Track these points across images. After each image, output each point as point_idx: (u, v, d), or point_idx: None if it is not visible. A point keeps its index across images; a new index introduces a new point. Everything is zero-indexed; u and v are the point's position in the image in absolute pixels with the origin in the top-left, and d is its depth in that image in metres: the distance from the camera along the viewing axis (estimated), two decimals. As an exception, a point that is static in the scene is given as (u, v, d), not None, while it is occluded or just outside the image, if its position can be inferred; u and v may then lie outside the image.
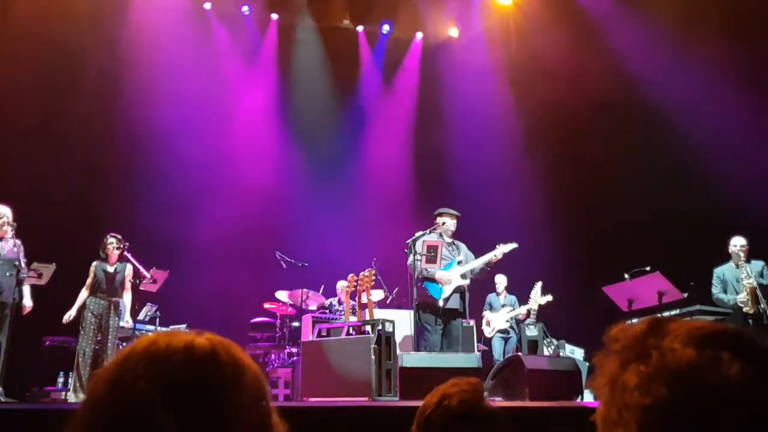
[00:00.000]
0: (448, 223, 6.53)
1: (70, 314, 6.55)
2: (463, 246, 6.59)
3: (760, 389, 0.69)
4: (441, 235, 6.46)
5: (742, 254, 6.39)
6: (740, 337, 0.75)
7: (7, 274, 5.87)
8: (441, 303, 6.20)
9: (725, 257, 6.61)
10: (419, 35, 11.71)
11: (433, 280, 6.25)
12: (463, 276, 6.34)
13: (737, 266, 6.43)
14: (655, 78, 8.90)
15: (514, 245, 6.54)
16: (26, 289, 6.11)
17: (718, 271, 6.60)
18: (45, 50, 8.86)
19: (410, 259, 6.43)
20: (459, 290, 6.33)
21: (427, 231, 6.43)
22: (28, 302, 6.11)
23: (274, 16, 11.14)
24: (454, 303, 6.28)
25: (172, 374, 0.79)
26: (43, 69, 8.90)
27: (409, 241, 6.39)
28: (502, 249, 6.48)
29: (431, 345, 6.08)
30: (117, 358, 0.84)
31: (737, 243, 6.47)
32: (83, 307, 6.55)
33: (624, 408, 0.74)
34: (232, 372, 0.82)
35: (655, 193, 8.96)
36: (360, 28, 11.53)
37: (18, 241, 6.06)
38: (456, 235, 6.64)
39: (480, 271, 6.50)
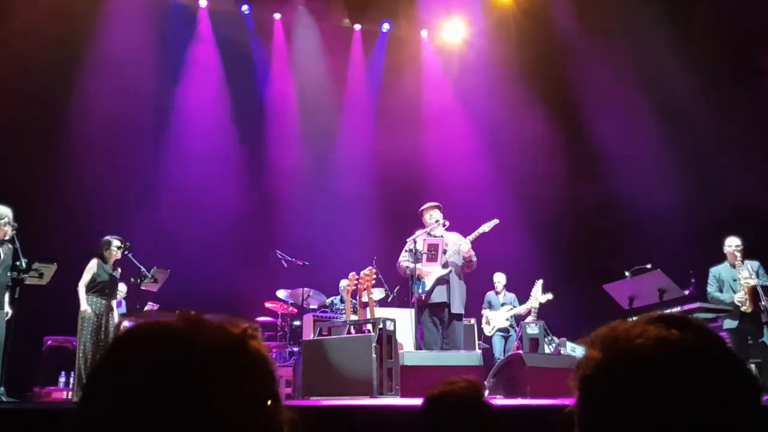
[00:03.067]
0: (426, 218, 6.53)
1: (86, 308, 6.40)
2: (453, 236, 6.49)
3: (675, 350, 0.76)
4: (429, 233, 6.41)
5: (738, 254, 6.40)
6: (677, 317, 0.82)
7: (8, 275, 5.86)
8: (424, 297, 6.18)
9: (720, 257, 6.62)
10: (423, 34, 11.71)
11: (416, 277, 6.21)
12: (444, 265, 6.28)
13: (733, 266, 6.43)
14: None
15: (494, 222, 6.46)
16: (6, 297, 5.84)
17: (714, 270, 6.61)
18: (45, 51, 8.85)
19: (399, 259, 6.47)
20: (443, 281, 6.26)
21: (417, 235, 6.42)
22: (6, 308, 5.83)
23: (277, 16, 11.13)
24: (440, 295, 6.23)
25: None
26: (43, 67, 8.88)
27: (407, 246, 6.44)
28: (471, 237, 6.37)
29: (428, 343, 6.07)
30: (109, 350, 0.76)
31: (732, 243, 6.49)
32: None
33: (576, 384, 0.81)
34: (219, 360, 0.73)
35: (655, 192, 8.97)
36: (357, 27, 11.52)
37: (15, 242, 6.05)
38: (452, 228, 6.61)
39: (462, 259, 6.39)
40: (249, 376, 0.76)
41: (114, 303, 6.63)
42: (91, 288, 6.48)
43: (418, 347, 6.06)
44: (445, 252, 6.32)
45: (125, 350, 0.75)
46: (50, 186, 8.45)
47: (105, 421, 0.70)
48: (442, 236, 6.44)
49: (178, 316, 0.78)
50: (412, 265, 6.20)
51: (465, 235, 6.47)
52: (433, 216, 6.49)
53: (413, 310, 6.23)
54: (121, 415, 0.70)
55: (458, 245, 6.36)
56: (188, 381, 0.71)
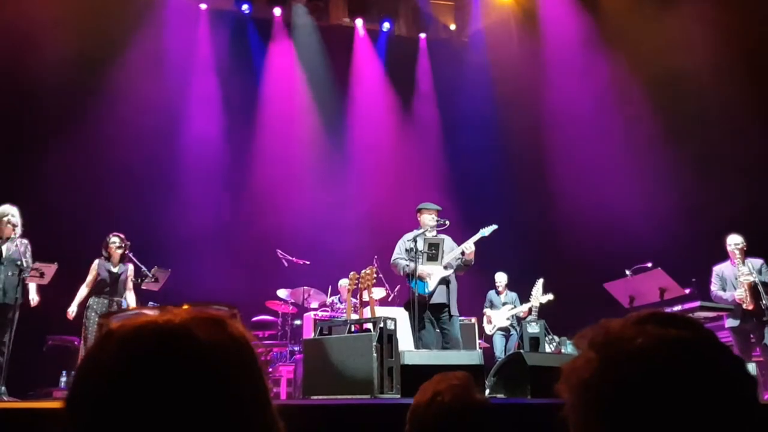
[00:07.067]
0: (425, 218, 6.51)
1: (72, 310, 6.51)
2: (448, 238, 6.50)
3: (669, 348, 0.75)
4: (424, 232, 6.41)
5: (737, 252, 6.41)
6: (669, 314, 0.82)
7: (10, 274, 5.87)
8: (426, 298, 6.16)
9: (723, 255, 6.62)
10: (422, 35, 11.70)
11: (417, 276, 6.18)
12: (446, 267, 6.28)
13: (736, 264, 6.45)
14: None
15: (493, 227, 6.47)
16: (32, 285, 6.13)
17: (717, 269, 6.63)
18: (52, 52, 8.82)
19: (392, 258, 6.46)
20: (444, 282, 6.27)
21: (416, 234, 6.41)
22: (34, 297, 6.15)
23: (277, 12, 11.12)
24: (440, 296, 6.23)
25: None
26: (52, 68, 8.84)
27: (400, 243, 6.42)
28: (474, 239, 6.36)
29: (427, 343, 6.06)
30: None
31: (733, 241, 6.51)
32: (87, 306, 6.50)
33: (571, 389, 0.80)
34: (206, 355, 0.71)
35: (655, 190, 8.96)
36: (359, 23, 11.52)
37: (25, 241, 6.04)
38: (452, 230, 6.61)
39: (460, 262, 6.35)
40: (243, 365, 0.75)
41: (119, 300, 6.63)
42: (93, 288, 6.52)
43: (416, 347, 6.05)
44: (443, 252, 6.32)
45: (113, 351, 0.72)
46: (51, 185, 8.44)
47: (93, 422, 0.69)
48: (440, 237, 6.45)
49: (160, 311, 0.75)
50: (412, 264, 6.19)
51: (455, 239, 6.50)
52: (431, 218, 6.47)
53: (412, 310, 6.20)
54: (111, 417, 0.68)
55: (453, 247, 6.40)
56: (184, 378, 0.69)
